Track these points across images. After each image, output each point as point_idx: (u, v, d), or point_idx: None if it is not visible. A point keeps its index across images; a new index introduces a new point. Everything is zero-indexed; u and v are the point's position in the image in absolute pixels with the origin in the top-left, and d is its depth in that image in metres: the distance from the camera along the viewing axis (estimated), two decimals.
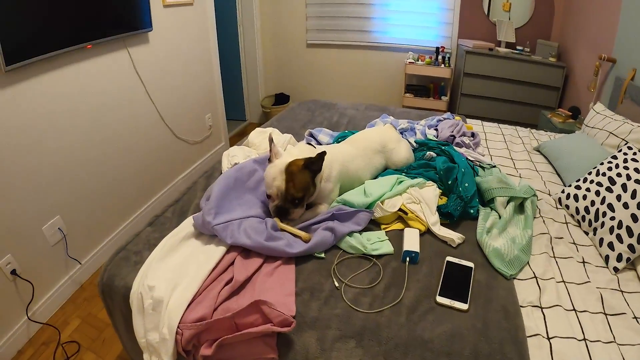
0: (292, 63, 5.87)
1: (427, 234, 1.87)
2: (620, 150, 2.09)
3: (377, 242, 1.78)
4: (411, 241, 1.74)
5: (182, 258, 1.65)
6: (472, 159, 2.45)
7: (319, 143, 2.66)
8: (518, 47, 4.80)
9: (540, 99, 4.61)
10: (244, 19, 5.35)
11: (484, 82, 4.74)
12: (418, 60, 5.14)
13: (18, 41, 2.16)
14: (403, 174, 2.22)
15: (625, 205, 1.80)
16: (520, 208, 2.05)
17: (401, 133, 2.77)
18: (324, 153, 1.80)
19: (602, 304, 1.55)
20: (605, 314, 1.51)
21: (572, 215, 2.11)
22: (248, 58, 5.61)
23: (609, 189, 1.93)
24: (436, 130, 2.90)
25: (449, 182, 2.07)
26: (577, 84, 4.27)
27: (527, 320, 1.46)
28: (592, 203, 1.98)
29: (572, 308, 1.53)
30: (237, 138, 5.34)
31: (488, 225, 1.89)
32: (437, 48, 5.05)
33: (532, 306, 1.53)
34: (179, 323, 1.41)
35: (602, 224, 1.87)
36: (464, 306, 1.49)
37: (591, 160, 2.31)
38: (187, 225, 1.82)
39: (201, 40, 4.11)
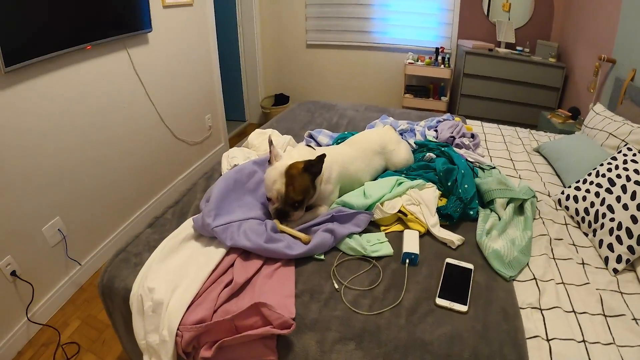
0: (292, 64, 5.88)
1: (426, 235, 1.87)
2: (619, 152, 2.09)
3: (376, 244, 1.78)
4: (411, 243, 1.74)
5: (182, 260, 1.65)
6: (471, 160, 2.45)
7: (319, 144, 2.66)
8: (518, 48, 4.81)
9: (540, 100, 4.62)
10: (244, 19, 5.35)
11: (483, 83, 4.75)
12: (418, 61, 5.14)
13: (17, 42, 2.16)
14: (403, 175, 2.22)
15: (625, 207, 1.80)
16: (520, 209, 2.05)
17: (401, 134, 2.78)
18: (323, 156, 1.80)
19: (602, 305, 1.55)
20: (605, 316, 1.51)
21: (571, 217, 2.11)
22: (248, 58, 5.61)
23: (608, 190, 1.93)
24: (436, 131, 2.90)
25: (449, 184, 2.07)
26: (577, 85, 4.28)
27: (527, 322, 1.46)
28: (592, 204, 1.98)
29: (572, 309, 1.53)
30: (237, 139, 5.34)
31: (488, 226, 1.88)
32: (437, 49, 5.05)
33: (532, 308, 1.53)
34: (179, 325, 1.41)
35: (602, 225, 1.87)
36: (463, 308, 1.49)
37: (591, 162, 2.31)
38: (187, 226, 1.82)
39: (201, 41, 4.11)
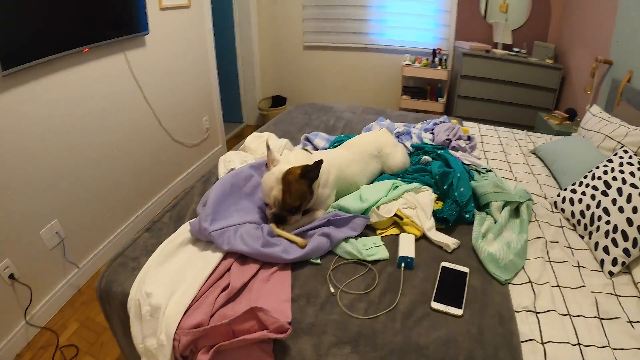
0: (289, 65, 5.88)
1: (422, 239, 1.88)
2: (616, 154, 2.10)
3: (372, 248, 1.78)
4: (406, 247, 1.75)
5: (179, 264, 1.66)
6: (468, 162, 2.45)
7: (315, 147, 2.67)
8: (515, 49, 4.82)
9: (537, 101, 4.62)
10: (241, 21, 5.35)
11: (480, 84, 4.75)
12: (415, 62, 5.14)
13: (15, 46, 2.16)
14: (399, 178, 2.22)
15: (621, 209, 1.81)
16: (515, 212, 2.06)
17: (397, 137, 2.78)
18: (321, 161, 1.81)
19: (597, 308, 1.56)
20: (600, 319, 1.52)
21: (567, 219, 2.12)
22: (245, 60, 5.61)
23: (604, 193, 1.94)
24: (432, 133, 2.90)
25: (445, 187, 2.08)
26: (573, 86, 4.29)
27: (522, 326, 1.46)
28: (588, 207, 1.98)
29: (567, 313, 1.54)
30: (234, 140, 5.35)
31: (483, 230, 1.89)
32: (434, 50, 5.06)
33: (527, 311, 1.54)
34: (177, 329, 1.42)
35: (598, 228, 1.88)
36: (458, 312, 1.50)
37: (587, 164, 2.31)
38: (184, 231, 1.82)
39: (198, 42, 4.11)
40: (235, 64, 5.55)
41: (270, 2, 5.51)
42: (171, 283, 1.55)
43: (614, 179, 1.95)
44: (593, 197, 1.99)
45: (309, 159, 1.93)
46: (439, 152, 2.43)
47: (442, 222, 1.94)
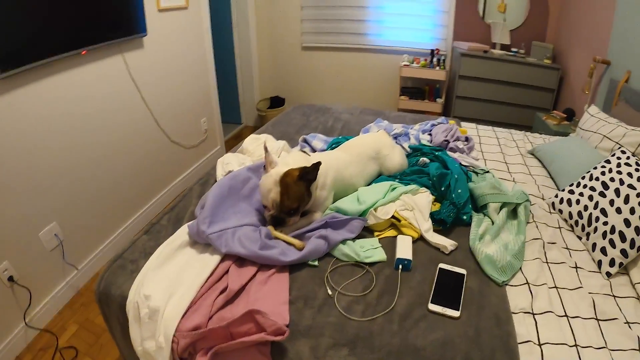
0: (288, 66, 5.89)
1: (420, 240, 1.88)
2: (613, 155, 2.11)
3: (370, 250, 1.78)
4: (404, 248, 1.75)
5: (177, 267, 1.66)
6: (465, 164, 2.46)
7: (313, 149, 2.67)
8: (513, 49, 4.83)
9: (535, 101, 4.63)
10: (239, 22, 5.36)
11: (479, 84, 4.76)
12: (413, 63, 5.16)
13: (12, 48, 2.16)
14: (397, 180, 2.23)
15: (618, 210, 1.81)
16: (513, 213, 2.06)
17: (395, 138, 2.78)
18: (319, 163, 1.81)
19: (594, 309, 1.56)
20: (597, 320, 1.52)
21: (565, 220, 2.12)
22: (243, 61, 5.62)
23: (602, 194, 1.94)
24: (430, 135, 2.91)
25: (442, 189, 2.08)
26: (571, 86, 4.29)
27: (519, 327, 1.47)
28: (585, 208, 1.99)
29: (564, 314, 1.54)
30: (233, 141, 5.35)
31: (481, 231, 1.89)
32: (432, 50, 5.07)
33: (524, 312, 1.54)
34: (175, 332, 1.43)
35: (595, 229, 1.88)
36: (455, 313, 1.50)
37: (585, 164, 2.32)
38: (182, 233, 1.83)
39: (196, 43, 4.12)
40: (233, 65, 5.56)
41: (268, 3, 5.52)
42: (169, 285, 1.56)
43: (612, 179, 1.95)
44: (591, 197, 1.99)
45: (307, 161, 1.93)
46: (436, 153, 2.43)
47: (440, 223, 1.95)
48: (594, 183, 2.04)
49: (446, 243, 1.82)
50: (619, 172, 1.95)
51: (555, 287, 1.67)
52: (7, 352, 2.37)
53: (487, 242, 1.84)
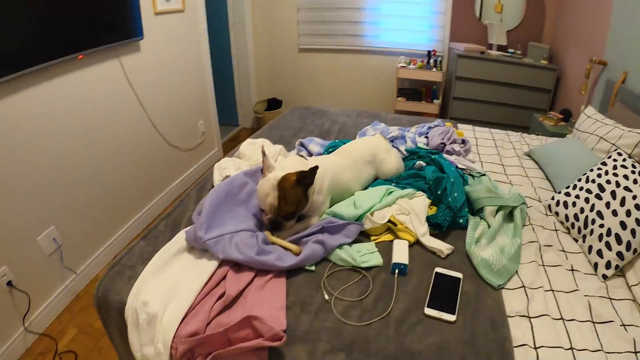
0: (284, 68, 5.89)
1: (416, 244, 1.88)
2: (609, 157, 2.11)
3: (366, 254, 1.79)
4: (400, 253, 1.75)
5: (175, 273, 1.67)
6: (462, 166, 2.46)
7: (310, 153, 2.68)
8: (509, 50, 4.85)
9: (532, 102, 4.64)
10: (236, 24, 5.37)
11: (475, 86, 4.76)
12: (410, 64, 5.16)
13: (7, 53, 2.17)
14: (393, 184, 2.23)
15: (614, 213, 1.82)
16: (509, 216, 2.06)
17: (392, 141, 2.79)
18: (316, 167, 1.81)
19: (590, 312, 1.56)
20: (593, 322, 1.52)
21: (561, 222, 2.13)
22: (240, 63, 5.62)
23: (598, 196, 1.95)
24: (427, 137, 2.91)
25: (439, 192, 2.08)
26: (568, 87, 4.30)
27: (515, 331, 1.47)
28: (582, 210, 1.99)
29: (560, 317, 1.54)
30: (230, 143, 5.36)
31: (477, 235, 1.90)
32: (429, 52, 5.08)
33: (520, 316, 1.54)
34: (173, 337, 1.43)
35: (591, 232, 1.89)
36: (452, 317, 1.51)
37: (581, 166, 2.32)
38: (180, 239, 1.83)
39: (193, 46, 4.13)
40: (230, 67, 5.57)
41: (264, 5, 5.52)
42: (167, 292, 1.56)
43: (608, 182, 1.96)
44: (587, 200, 2.00)
45: (304, 165, 1.93)
46: (432, 156, 2.43)
47: (436, 227, 1.95)
48: (590, 185, 2.04)
49: (442, 247, 1.82)
50: (615, 175, 1.96)
51: (551, 290, 1.67)
52: (7, 357, 2.37)
53: (483, 246, 1.84)
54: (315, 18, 5.46)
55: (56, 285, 2.74)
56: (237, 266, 1.68)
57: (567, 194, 2.14)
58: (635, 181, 1.85)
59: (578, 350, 1.41)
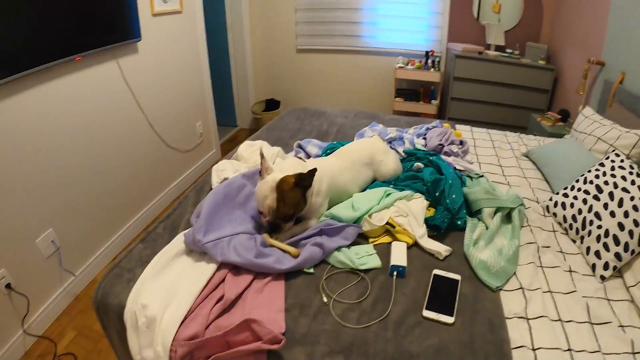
0: (282, 68, 5.89)
1: (414, 246, 1.89)
2: (607, 158, 2.11)
3: (365, 257, 1.79)
4: (398, 255, 1.75)
5: (174, 276, 1.67)
6: (460, 168, 2.46)
7: (308, 155, 2.68)
8: (507, 50, 4.84)
9: (530, 102, 4.65)
10: (234, 25, 5.37)
11: (473, 86, 4.77)
12: (408, 65, 5.16)
13: (4, 56, 2.17)
14: (391, 186, 2.23)
15: (612, 214, 1.82)
16: (507, 217, 2.07)
17: (390, 142, 2.79)
18: (314, 170, 1.82)
19: (588, 313, 1.56)
20: (591, 324, 1.52)
21: (559, 224, 2.13)
22: (238, 64, 5.63)
23: (596, 197, 1.95)
24: (425, 139, 2.91)
25: (437, 194, 2.09)
26: (566, 87, 4.31)
27: (513, 332, 1.47)
28: (580, 211, 1.99)
29: (558, 318, 1.55)
30: (228, 144, 5.36)
31: (475, 236, 1.90)
32: (427, 52, 5.08)
33: (518, 317, 1.54)
34: (173, 341, 1.43)
35: (589, 233, 1.89)
36: (450, 319, 1.51)
37: (579, 167, 2.33)
38: (178, 242, 1.83)
39: (191, 47, 4.13)
40: (228, 67, 5.57)
41: (262, 6, 5.52)
42: (166, 295, 1.56)
43: (606, 183, 1.96)
44: (585, 201, 2.00)
45: (302, 167, 1.93)
46: (430, 158, 2.44)
47: (434, 229, 1.95)
48: (588, 186, 2.04)
49: (440, 249, 1.82)
50: (613, 176, 1.96)
51: (550, 291, 1.68)
52: None
53: (481, 248, 1.85)
54: (313, 19, 5.46)
55: (55, 287, 2.74)
56: (236, 269, 1.68)
57: (565, 195, 2.14)
58: (633, 182, 1.86)
59: (576, 351, 1.41)
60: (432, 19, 5.14)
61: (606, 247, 1.78)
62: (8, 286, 2.35)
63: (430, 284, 1.67)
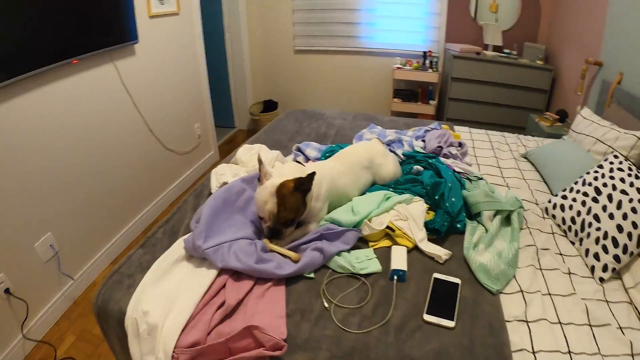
0: (280, 69, 5.89)
1: (414, 250, 1.89)
2: (606, 159, 2.12)
3: (365, 261, 1.79)
4: (398, 259, 1.75)
5: (174, 282, 1.67)
6: (459, 170, 2.46)
7: (307, 158, 2.67)
8: (505, 50, 4.85)
9: (528, 102, 4.65)
10: (231, 26, 5.36)
11: (471, 86, 4.77)
12: (406, 65, 5.17)
13: (1, 60, 2.16)
14: (390, 189, 2.24)
15: (611, 216, 1.83)
16: (507, 220, 2.07)
17: (388, 145, 2.78)
18: (313, 174, 1.82)
19: (587, 315, 1.57)
20: (591, 326, 1.53)
21: (558, 225, 2.13)
22: (235, 65, 5.62)
23: (594, 199, 1.96)
24: (423, 141, 2.91)
25: (436, 197, 2.09)
26: (564, 87, 4.31)
27: (513, 335, 1.48)
28: (578, 213, 2.00)
29: (558, 321, 1.55)
30: (227, 146, 5.36)
31: (475, 239, 1.90)
32: (425, 52, 5.08)
33: (518, 321, 1.55)
34: (174, 348, 1.43)
35: (588, 235, 1.90)
36: (450, 323, 1.51)
37: (578, 168, 2.33)
38: (178, 247, 1.83)
39: (188, 49, 4.13)
40: (226, 69, 5.56)
41: (260, 7, 5.51)
42: (167, 301, 1.56)
43: (605, 185, 1.96)
44: (584, 203, 2.00)
45: (301, 171, 1.93)
46: (430, 161, 2.44)
47: (434, 232, 1.95)
48: (586, 188, 2.05)
49: (440, 252, 1.83)
50: (612, 178, 1.97)
51: (549, 293, 1.68)
52: None
53: (480, 251, 1.85)
54: (311, 19, 5.46)
55: (54, 291, 2.74)
56: (237, 274, 1.68)
57: (564, 197, 2.15)
58: (631, 184, 1.86)
59: (576, 354, 1.42)
60: (429, 20, 5.14)
61: (605, 249, 1.79)
62: (7, 291, 2.35)
63: (430, 288, 1.67)
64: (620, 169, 1.98)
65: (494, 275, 1.72)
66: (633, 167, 1.97)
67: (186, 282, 1.66)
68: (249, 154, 2.57)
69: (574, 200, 2.07)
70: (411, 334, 1.49)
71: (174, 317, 1.50)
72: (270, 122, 3.57)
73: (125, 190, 3.37)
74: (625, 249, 1.73)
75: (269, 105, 5.92)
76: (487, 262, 1.76)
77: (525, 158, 2.90)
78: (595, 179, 2.05)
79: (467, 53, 4.71)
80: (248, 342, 1.39)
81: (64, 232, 2.77)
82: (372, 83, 5.62)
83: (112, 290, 1.69)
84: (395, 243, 1.91)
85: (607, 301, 1.66)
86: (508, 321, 1.55)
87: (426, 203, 2.12)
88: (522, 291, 1.68)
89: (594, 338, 1.48)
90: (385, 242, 1.93)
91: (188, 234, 1.85)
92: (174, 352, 1.42)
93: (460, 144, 2.91)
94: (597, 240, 1.84)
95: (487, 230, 2.00)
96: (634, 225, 1.74)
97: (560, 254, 1.94)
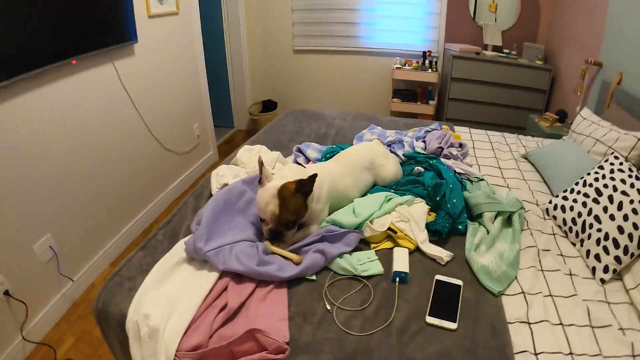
0: (279, 69, 5.89)
1: (416, 252, 1.89)
2: (606, 160, 2.12)
3: (367, 263, 1.79)
4: (400, 261, 1.75)
5: (175, 285, 1.66)
6: (460, 171, 2.46)
7: (307, 159, 2.67)
8: (505, 50, 4.85)
9: (527, 102, 4.65)
10: (230, 26, 5.35)
11: (471, 86, 4.78)
12: (405, 65, 5.16)
13: (1, 59, 2.15)
14: (392, 190, 2.23)
15: (612, 217, 1.83)
16: (508, 221, 2.07)
17: (389, 145, 2.78)
18: (315, 175, 1.81)
19: (589, 316, 1.57)
20: (592, 327, 1.53)
21: (559, 227, 2.13)
22: (235, 65, 5.61)
23: (595, 200, 1.96)
24: (424, 142, 2.90)
25: (437, 199, 2.08)
26: (564, 87, 4.31)
27: (515, 337, 1.48)
28: (579, 214, 2.00)
29: (559, 322, 1.55)
30: (226, 146, 5.35)
31: (476, 241, 1.90)
32: (424, 52, 5.08)
33: (520, 322, 1.55)
34: (176, 351, 1.42)
35: (589, 236, 1.90)
36: (453, 325, 1.51)
37: (579, 169, 2.34)
38: (179, 250, 1.82)
39: (187, 49, 4.12)
40: (225, 69, 5.56)
41: (259, 6, 5.51)
42: (168, 304, 1.56)
43: (605, 186, 1.97)
44: (584, 204, 2.00)
45: (303, 173, 1.93)
46: (431, 162, 2.43)
47: (435, 234, 1.95)
48: (587, 189, 2.05)
49: (442, 254, 1.83)
50: (612, 179, 1.97)
51: (550, 295, 1.68)
52: None
53: (482, 252, 1.85)
54: (310, 19, 5.46)
55: (53, 293, 2.73)
56: (238, 277, 1.68)
57: (565, 198, 2.15)
58: (632, 185, 1.87)
59: (577, 355, 1.42)
60: (429, 20, 5.14)
61: (606, 250, 1.79)
62: (6, 293, 2.34)
63: (432, 290, 1.67)
64: (620, 170, 1.98)
65: (496, 277, 1.72)
66: (634, 168, 1.97)
67: (187, 284, 1.66)
68: (249, 154, 2.56)
69: (575, 201, 2.07)
70: (413, 336, 1.48)
71: (176, 320, 1.50)
72: (270, 123, 3.57)
73: (124, 191, 3.36)
74: (626, 250, 1.73)
75: (268, 105, 5.91)
76: (489, 263, 1.76)
77: (526, 158, 2.90)
78: (596, 180, 2.05)
79: (467, 53, 4.71)
80: (250, 346, 1.39)
81: (63, 233, 2.75)
82: (371, 83, 5.62)
83: (112, 292, 1.68)
84: (397, 245, 1.90)
85: (608, 302, 1.66)
86: (510, 323, 1.55)
87: (427, 204, 2.12)
88: (523, 292, 1.68)
89: (596, 339, 1.48)
90: (387, 244, 1.93)
91: (189, 236, 1.85)
92: (175, 355, 1.42)
93: (461, 145, 2.90)
94: (598, 242, 1.84)
95: (488, 232, 2.00)
96: (635, 226, 1.74)
97: (562, 255, 1.94)
